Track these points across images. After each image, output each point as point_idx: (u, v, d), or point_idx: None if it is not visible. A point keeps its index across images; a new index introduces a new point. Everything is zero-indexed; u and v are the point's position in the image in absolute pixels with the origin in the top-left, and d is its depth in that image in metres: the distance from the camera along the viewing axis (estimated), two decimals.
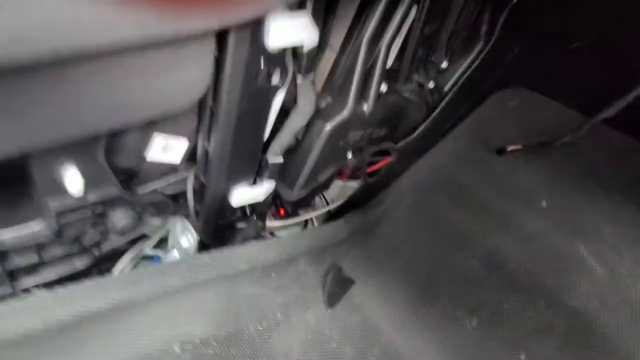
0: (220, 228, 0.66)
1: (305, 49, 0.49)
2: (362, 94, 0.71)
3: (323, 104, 0.70)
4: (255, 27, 0.42)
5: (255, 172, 0.61)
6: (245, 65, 0.44)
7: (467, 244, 0.80)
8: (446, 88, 0.91)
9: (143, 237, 0.63)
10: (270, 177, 0.64)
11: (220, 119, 0.48)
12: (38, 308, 0.45)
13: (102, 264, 0.60)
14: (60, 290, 0.47)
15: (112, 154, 0.46)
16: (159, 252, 0.70)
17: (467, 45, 0.88)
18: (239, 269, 0.62)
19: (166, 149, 0.51)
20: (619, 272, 0.66)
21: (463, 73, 0.90)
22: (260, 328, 0.69)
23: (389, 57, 0.76)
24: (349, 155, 0.80)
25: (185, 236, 0.65)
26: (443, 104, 0.89)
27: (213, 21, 0.34)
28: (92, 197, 0.46)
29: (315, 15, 0.51)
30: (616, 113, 0.69)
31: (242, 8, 0.34)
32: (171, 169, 0.55)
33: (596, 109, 0.73)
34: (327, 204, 0.99)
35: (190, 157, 0.56)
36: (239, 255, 0.62)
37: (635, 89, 0.58)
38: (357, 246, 0.88)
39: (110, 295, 0.49)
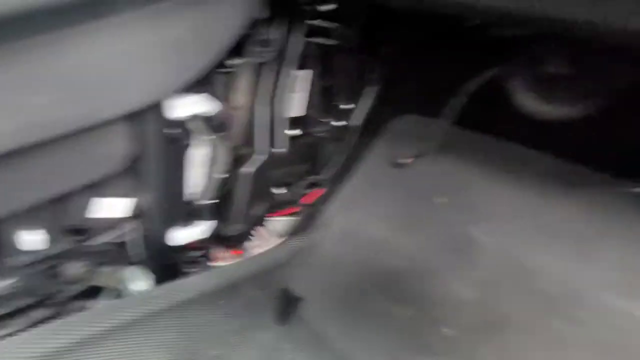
0: (169, 268, 0.78)
1: (209, 114, 0.66)
2: (274, 141, 0.88)
3: (244, 153, 0.87)
4: (162, 106, 0.59)
5: (188, 215, 0.75)
6: (159, 134, 0.60)
7: (391, 245, 0.94)
8: (357, 124, 1.10)
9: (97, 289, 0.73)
10: (204, 217, 0.78)
11: (147, 177, 0.63)
12: None
13: (58, 316, 0.68)
14: (13, 339, 0.53)
15: (62, 214, 0.59)
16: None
17: (367, 89, 1.10)
18: (187, 298, 0.73)
19: (111, 207, 0.65)
20: (504, 242, 0.80)
21: (368, 110, 1.10)
22: (215, 353, 0.78)
23: (296, 108, 0.95)
24: (279, 191, 0.95)
25: (139, 282, 0.76)
26: (354, 137, 1.08)
27: (119, 111, 0.50)
28: (46, 252, 0.58)
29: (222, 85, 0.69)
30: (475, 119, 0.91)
31: (138, 100, 0.51)
32: (118, 222, 0.68)
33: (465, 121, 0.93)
34: (279, 235, 1.13)
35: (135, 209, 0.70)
36: (186, 285, 0.73)
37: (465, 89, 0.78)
38: (303, 267, 1.00)
39: (61, 338, 0.54)
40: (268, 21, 0.76)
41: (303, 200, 1.04)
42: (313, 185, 1.06)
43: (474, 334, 0.78)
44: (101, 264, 0.70)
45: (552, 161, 0.81)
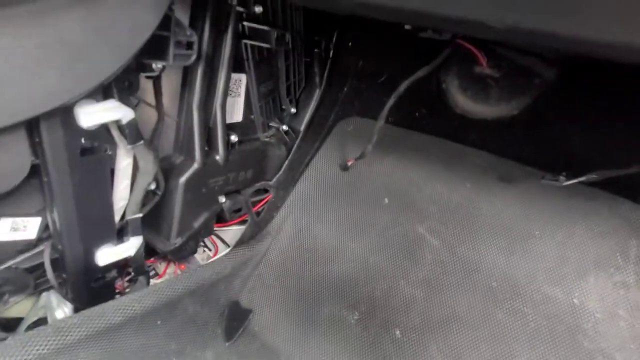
0: (94, 291, 0.71)
1: (125, 122, 0.61)
2: (210, 147, 0.84)
3: (177, 161, 0.82)
4: (65, 113, 0.54)
5: (115, 231, 0.69)
6: (65, 144, 0.55)
7: (339, 251, 0.92)
8: (301, 128, 1.08)
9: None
10: (134, 233, 0.72)
11: (56, 193, 0.58)
12: None
13: None
14: None
15: None
16: None
17: (309, 92, 1.09)
18: (117, 322, 0.67)
19: (15, 228, 0.59)
20: (447, 239, 0.81)
21: (311, 113, 1.09)
22: None
23: (233, 112, 0.92)
24: (222, 199, 0.91)
25: (61, 308, 0.69)
26: (299, 141, 1.06)
27: (11, 119, 0.45)
28: None
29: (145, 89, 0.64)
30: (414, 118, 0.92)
31: (32, 107, 0.46)
32: (28, 244, 0.61)
33: (403, 120, 0.94)
34: (229, 246, 1.08)
35: (47, 229, 0.63)
36: (112, 309, 0.67)
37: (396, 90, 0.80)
38: (252, 278, 0.97)
39: None
40: (192, 22, 0.72)
41: (251, 208, 1.00)
42: (261, 191, 1.03)
43: (422, 333, 0.78)
44: (11, 292, 0.62)
45: (485, 156, 0.83)
